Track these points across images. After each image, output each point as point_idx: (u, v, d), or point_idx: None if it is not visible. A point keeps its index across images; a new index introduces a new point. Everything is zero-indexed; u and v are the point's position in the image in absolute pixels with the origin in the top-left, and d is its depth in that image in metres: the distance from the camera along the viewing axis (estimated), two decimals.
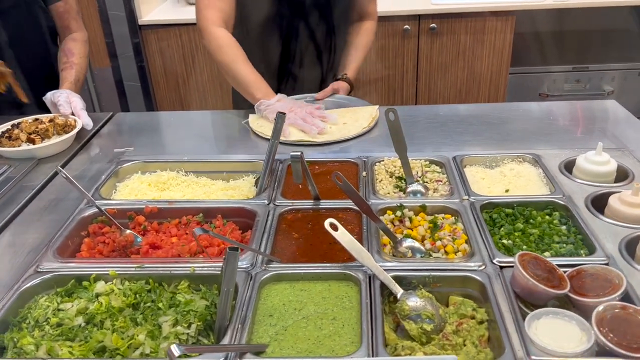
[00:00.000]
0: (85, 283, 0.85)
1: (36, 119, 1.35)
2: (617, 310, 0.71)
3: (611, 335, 0.68)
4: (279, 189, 1.08)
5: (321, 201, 1.03)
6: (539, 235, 0.93)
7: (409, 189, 1.07)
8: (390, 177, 1.14)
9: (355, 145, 1.27)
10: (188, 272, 0.86)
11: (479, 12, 2.38)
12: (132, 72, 2.53)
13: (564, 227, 0.94)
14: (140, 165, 1.21)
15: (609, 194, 0.98)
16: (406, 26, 2.41)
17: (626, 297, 0.76)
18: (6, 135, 1.29)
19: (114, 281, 0.85)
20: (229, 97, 2.57)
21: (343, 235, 0.84)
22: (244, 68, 1.39)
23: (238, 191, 1.14)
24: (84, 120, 1.36)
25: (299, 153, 0.95)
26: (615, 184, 1.05)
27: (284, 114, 1.06)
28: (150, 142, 1.37)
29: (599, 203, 0.99)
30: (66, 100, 1.40)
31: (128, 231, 0.98)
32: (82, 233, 1.00)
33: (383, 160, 1.18)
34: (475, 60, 2.49)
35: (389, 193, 1.07)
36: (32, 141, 1.28)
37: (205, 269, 0.87)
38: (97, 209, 1.00)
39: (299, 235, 0.96)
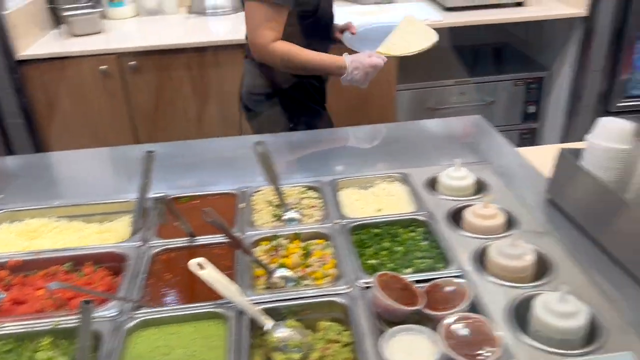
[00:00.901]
0: None
1: None
2: (461, 321, 0.77)
3: (455, 345, 0.74)
4: (154, 228, 1.07)
5: (197, 238, 1.04)
6: (404, 253, 0.99)
7: (284, 217, 1.10)
8: (269, 206, 1.16)
9: (235, 176, 1.28)
10: (50, 327, 0.83)
11: None
12: (13, 110, 2.39)
13: (425, 243, 1.01)
14: (8, 214, 1.15)
15: (466, 208, 1.06)
16: None
17: (473, 307, 0.82)
18: None
19: None
20: (127, 130, 2.53)
21: (209, 274, 0.84)
22: (311, 54, 1.51)
23: (114, 233, 1.11)
24: None
25: (163, 194, 0.95)
26: (473, 197, 1.14)
27: (152, 152, 1.06)
28: (24, 187, 1.30)
29: (457, 217, 1.06)
30: None
31: None
32: None
33: (261, 190, 1.20)
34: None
35: (265, 223, 1.09)
36: None
37: (70, 322, 0.84)
38: None
39: (172, 275, 0.96)
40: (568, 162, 1.05)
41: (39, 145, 2.47)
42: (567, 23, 2.60)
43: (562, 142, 2.86)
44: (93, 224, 1.14)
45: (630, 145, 0.95)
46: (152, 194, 1.11)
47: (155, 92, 2.52)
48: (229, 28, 2.73)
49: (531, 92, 2.87)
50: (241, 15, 2.74)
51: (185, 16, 2.92)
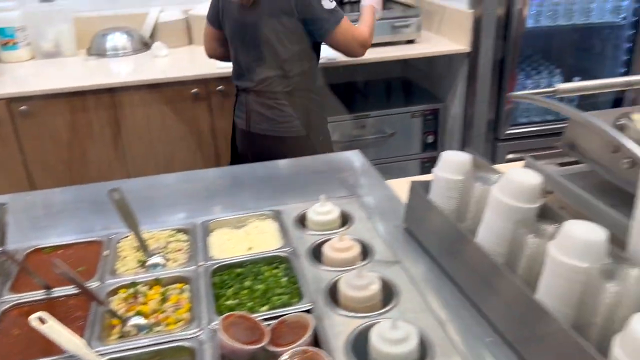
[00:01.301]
0: None
1: None
2: (299, 355, 0.80)
3: None
4: (8, 282, 1.04)
5: (53, 289, 1.01)
6: (264, 291, 1.01)
7: (148, 263, 1.09)
8: (137, 252, 1.15)
9: (103, 223, 1.26)
10: None
11: None
12: None
13: (284, 279, 1.04)
14: None
15: (326, 242, 1.11)
16: (194, 90, 2.49)
17: (316, 340, 0.85)
18: None
19: None
20: (22, 178, 2.43)
21: (51, 328, 0.83)
22: (365, 24, 2.16)
23: None
24: None
25: (13, 249, 0.93)
26: (337, 231, 1.18)
27: (4, 204, 1.03)
28: None
29: (317, 252, 1.10)
30: None
31: None
32: None
33: (129, 236, 1.19)
34: None
35: (128, 270, 1.08)
36: None
37: None
38: None
39: (21, 331, 0.93)
40: (417, 193, 1.12)
41: None
42: (455, 59, 2.79)
43: None
44: None
45: (464, 176, 1.03)
46: (11, 245, 1.08)
47: (52, 137, 2.45)
48: (130, 69, 2.73)
49: (428, 123, 3.03)
50: (141, 55, 2.76)
51: (84, 58, 2.88)
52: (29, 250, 1.14)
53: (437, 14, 2.93)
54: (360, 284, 0.93)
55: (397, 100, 3.09)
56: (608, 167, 0.90)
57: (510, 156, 2.90)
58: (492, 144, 2.91)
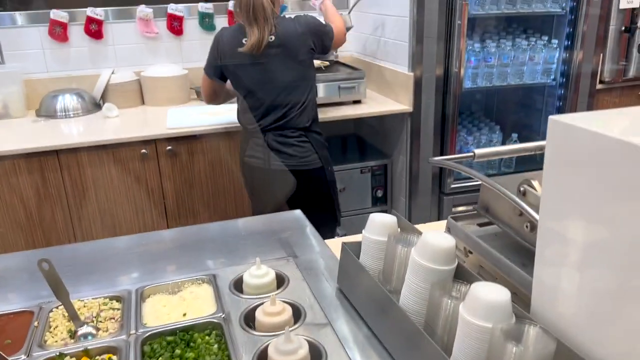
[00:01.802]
0: None
1: None
2: None
3: None
4: None
5: None
6: (194, 358, 1.01)
7: (79, 333, 1.08)
8: (68, 321, 1.14)
9: (36, 291, 1.24)
10: None
11: (214, 133, 2.60)
12: None
13: (215, 346, 1.04)
14: None
15: (259, 306, 1.12)
16: (143, 150, 2.51)
17: None
18: None
19: None
20: None
21: None
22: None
23: None
24: None
25: None
26: (272, 294, 1.20)
27: None
28: None
29: (251, 316, 1.11)
30: None
31: None
32: None
33: (61, 305, 1.17)
34: (219, 177, 2.68)
35: (57, 341, 1.07)
36: None
37: None
38: None
39: None
40: (348, 254, 1.16)
41: None
42: (399, 117, 2.92)
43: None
44: None
45: (389, 237, 1.08)
46: None
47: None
48: (80, 130, 2.73)
49: (377, 178, 3.12)
50: (92, 116, 2.78)
51: (33, 119, 2.88)
52: None
53: (380, 75, 3.08)
54: (289, 348, 0.95)
55: (348, 157, 3.18)
56: (516, 229, 0.97)
57: (456, 209, 3.01)
58: (439, 197, 3.01)
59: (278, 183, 2.24)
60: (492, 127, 3.20)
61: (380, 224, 1.11)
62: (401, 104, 2.87)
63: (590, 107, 3.07)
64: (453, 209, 3.00)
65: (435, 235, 0.94)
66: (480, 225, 1.16)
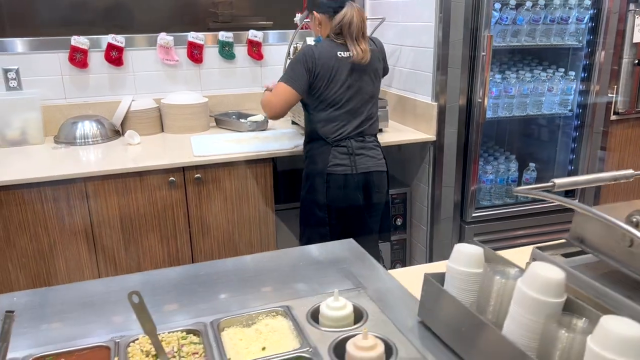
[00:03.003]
0: None
1: None
2: None
3: None
4: None
5: None
6: None
7: None
8: (147, 356, 1.09)
9: (106, 325, 1.20)
10: None
11: (238, 161, 2.58)
12: None
13: None
14: None
15: (347, 339, 1.09)
16: (172, 178, 2.48)
17: None
18: None
19: None
20: None
21: None
22: None
23: None
24: None
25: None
26: (354, 327, 1.18)
27: (12, 312, 0.97)
28: None
29: (340, 349, 1.09)
30: None
31: None
32: None
33: (138, 339, 1.13)
34: (243, 204, 2.65)
35: None
36: None
37: None
38: None
39: None
40: (432, 285, 1.14)
41: None
42: (421, 146, 2.94)
43: (429, 251, 3.10)
44: None
45: (482, 269, 1.07)
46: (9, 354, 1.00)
47: (19, 228, 2.34)
48: (97, 157, 2.69)
49: (397, 206, 3.12)
50: (112, 143, 2.76)
51: (52, 146, 2.83)
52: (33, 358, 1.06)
53: (403, 105, 3.11)
54: None
55: None
56: (623, 261, 0.97)
57: (477, 239, 3.01)
58: (459, 226, 3.02)
59: (363, 185, 2.42)
60: (508, 156, 3.23)
61: (471, 255, 1.10)
62: (423, 133, 2.89)
63: (605, 138, 3.14)
64: (474, 238, 3.00)
65: (545, 267, 0.93)
66: (565, 255, 1.15)
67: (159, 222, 2.52)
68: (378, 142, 2.51)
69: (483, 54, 2.66)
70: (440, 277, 1.17)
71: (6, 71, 2.89)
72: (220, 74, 3.25)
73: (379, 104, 2.93)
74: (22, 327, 1.19)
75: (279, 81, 2.34)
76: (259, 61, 3.29)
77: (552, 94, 2.97)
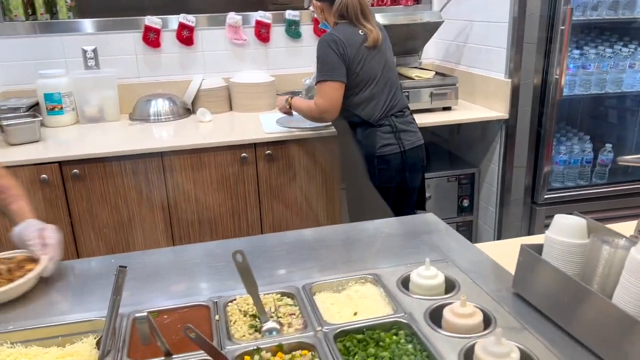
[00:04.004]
0: None
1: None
2: None
3: None
4: (124, 349, 1.00)
5: (173, 356, 0.98)
6: (390, 358, 0.98)
7: (264, 328, 1.07)
8: (244, 316, 1.12)
9: (205, 285, 1.25)
10: None
11: (307, 138, 2.60)
12: None
13: (410, 346, 1.01)
14: None
15: (442, 307, 1.09)
16: (244, 154, 2.52)
17: None
18: None
19: None
20: (69, 242, 2.41)
21: None
22: None
23: (77, 357, 1.02)
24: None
25: (145, 314, 0.91)
26: (446, 296, 1.17)
27: (125, 267, 1.02)
28: None
29: (435, 316, 1.08)
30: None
31: None
32: None
33: (235, 300, 1.17)
34: (311, 181, 2.67)
35: (244, 335, 1.06)
36: None
37: None
38: None
39: None
40: (530, 257, 1.12)
41: None
42: (490, 125, 2.86)
43: (497, 232, 3.03)
44: (52, 348, 1.05)
45: (587, 240, 1.04)
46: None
47: (100, 200, 2.44)
48: (171, 134, 2.77)
49: (464, 187, 3.06)
50: (184, 121, 2.82)
51: (128, 123, 2.93)
52: (134, 316, 1.11)
53: (472, 82, 3.03)
54: (501, 351, 0.91)
55: (433, 165, 3.12)
56: None
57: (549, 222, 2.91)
58: (530, 208, 2.93)
59: (411, 160, 2.38)
60: (582, 137, 3.10)
61: (574, 226, 1.06)
62: (495, 111, 2.82)
63: None
64: (546, 221, 2.91)
65: None
66: None
67: (230, 196, 2.58)
68: (412, 115, 2.47)
69: (562, 27, 2.55)
70: (536, 249, 1.14)
71: (85, 51, 3.01)
72: (286, 52, 3.27)
73: (449, 81, 2.89)
74: (125, 288, 1.25)
75: (317, 82, 2.27)
76: None
77: (634, 70, 2.81)
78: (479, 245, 1.44)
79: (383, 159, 2.34)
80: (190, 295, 1.20)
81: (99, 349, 1.03)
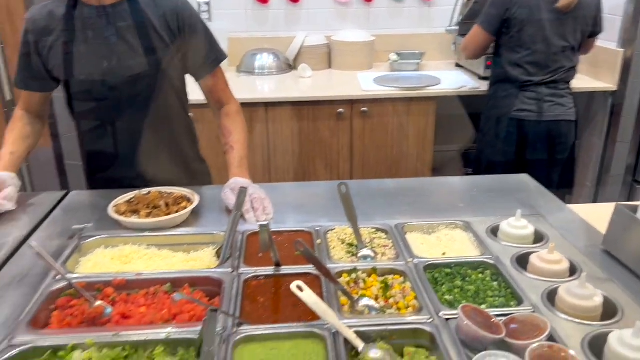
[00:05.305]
0: (61, 354, 0.88)
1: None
2: (545, 349, 0.84)
3: None
4: (240, 258, 1.16)
5: (282, 267, 1.13)
6: (475, 291, 1.07)
7: (359, 254, 1.19)
8: (342, 243, 1.25)
9: (307, 217, 1.38)
10: (163, 337, 0.91)
11: (404, 98, 2.66)
12: (74, 152, 2.54)
13: (495, 283, 1.09)
14: (103, 240, 1.25)
15: (529, 254, 1.15)
16: (340, 109, 2.63)
17: (551, 339, 0.89)
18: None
19: (90, 350, 0.88)
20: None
21: (309, 296, 0.93)
22: None
23: (199, 262, 1.20)
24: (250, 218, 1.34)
25: (267, 222, 1.05)
26: (534, 245, 1.22)
27: (246, 188, 1.17)
28: (107, 218, 1.40)
29: (521, 261, 1.15)
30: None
31: (98, 302, 1.01)
32: (50, 307, 1.02)
33: (335, 229, 1.29)
34: (403, 140, 2.74)
35: (342, 258, 1.18)
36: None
37: (179, 334, 0.92)
38: (64, 283, 1.04)
39: (265, 299, 1.04)
40: (625, 216, 1.14)
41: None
42: (596, 97, 2.75)
43: None
44: (179, 253, 1.24)
45: None
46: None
47: (206, 144, 2.65)
48: (273, 87, 2.92)
49: None
50: (286, 76, 2.95)
51: (235, 75, 3.12)
52: (248, 233, 1.27)
53: None
54: (585, 294, 0.97)
55: None
56: None
57: None
58: (630, 187, 2.82)
59: (547, 133, 2.34)
60: None
61: None
62: (602, 82, 2.70)
63: None
64: None
65: None
66: None
67: (324, 149, 2.71)
68: (570, 89, 2.39)
69: None
70: (632, 208, 1.16)
71: (199, 4, 3.21)
72: (388, 13, 3.29)
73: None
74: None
75: (476, 23, 2.38)
76: (427, 1, 3.27)
77: None
78: (571, 206, 1.47)
79: (515, 122, 2.37)
80: (296, 223, 1.34)
81: (218, 258, 1.20)
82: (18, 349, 0.87)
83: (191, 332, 0.91)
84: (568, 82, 2.37)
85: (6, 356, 0.86)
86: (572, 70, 2.35)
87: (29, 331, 0.92)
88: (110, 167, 1.57)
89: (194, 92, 1.66)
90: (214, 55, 1.57)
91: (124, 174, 1.55)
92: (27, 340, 0.89)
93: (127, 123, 1.51)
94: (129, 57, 1.43)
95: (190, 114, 1.69)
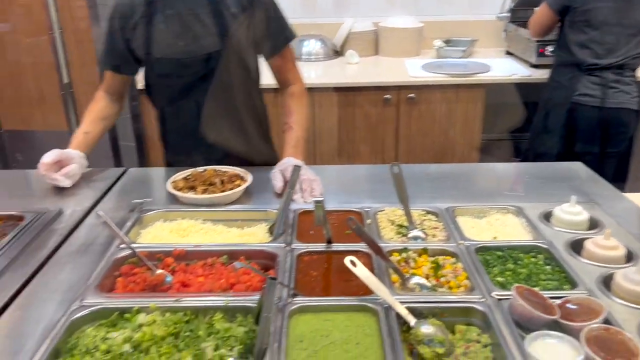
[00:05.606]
0: (127, 315, 0.93)
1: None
2: (601, 331, 0.84)
3: (599, 351, 0.80)
4: (293, 234, 1.20)
5: (333, 244, 1.15)
6: (527, 274, 1.06)
7: (410, 235, 1.20)
8: (392, 224, 1.26)
9: (353, 198, 1.39)
10: (222, 304, 0.95)
11: (452, 85, 2.63)
12: (127, 133, 2.64)
13: (548, 267, 1.08)
14: (162, 214, 1.31)
15: (583, 240, 1.13)
16: (387, 95, 2.63)
17: (606, 322, 0.89)
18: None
19: (154, 313, 0.93)
20: None
21: (362, 271, 0.95)
22: None
23: (253, 237, 1.24)
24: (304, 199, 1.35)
25: (322, 199, 1.08)
26: (588, 231, 1.21)
27: (300, 166, 1.20)
28: (164, 194, 1.45)
29: (575, 247, 1.13)
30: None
31: (159, 271, 1.06)
32: (115, 273, 1.08)
33: (384, 210, 1.31)
34: (449, 127, 2.71)
35: (392, 238, 1.20)
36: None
37: (237, 302, 0.96)
38: (128, 252, 1.10)
39: (318, 273, 1.07)
40: None
41: (145, 165, 2.70)
42: None
43: None
44: (234, 229, 1.28)
45: None
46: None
47: None
48: (320, 73, 2.93)
49: None
50: (333, 62, 2.94)
51: None
52: (300, 211, 1.30)
53: None
54: None
55: None
56: None
57: None
58: None
59: (607, 121, 2.27)
60: None
61: None
62: None
63: None
64: None
65: None
66: None
67: (370, 135, 2.72)
68: (635, 77, 2.30)
69: None
70: None
71: None
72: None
73: None
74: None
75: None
76: None
77: None
78: (628, 194, 1.43)
79: (576, 107, 2.32)
80: (346, 203, 1.36)
81: (270, 234, 1.23)
82: (89, 309, 0.93)
83: (248, 300, 0.95)
84: (634, 70, 2.28)
85: (78, 315, 0.92)
86: (636, 60, 2.27)
87: (97, 294, 0.97)
88: (187, 146, 1.60)
89: (267, 77, 1.68)
90: (284, 34, 1.59)
91: (200, 152, 1.56)
92: (97, 302, 0.95)
93: (203, 101, 1.52)
94: (203, 35, 1.46)
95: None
